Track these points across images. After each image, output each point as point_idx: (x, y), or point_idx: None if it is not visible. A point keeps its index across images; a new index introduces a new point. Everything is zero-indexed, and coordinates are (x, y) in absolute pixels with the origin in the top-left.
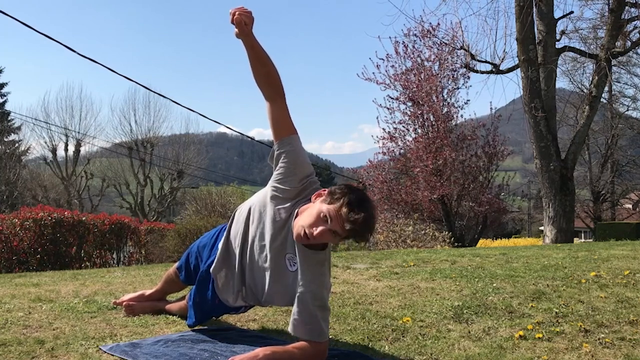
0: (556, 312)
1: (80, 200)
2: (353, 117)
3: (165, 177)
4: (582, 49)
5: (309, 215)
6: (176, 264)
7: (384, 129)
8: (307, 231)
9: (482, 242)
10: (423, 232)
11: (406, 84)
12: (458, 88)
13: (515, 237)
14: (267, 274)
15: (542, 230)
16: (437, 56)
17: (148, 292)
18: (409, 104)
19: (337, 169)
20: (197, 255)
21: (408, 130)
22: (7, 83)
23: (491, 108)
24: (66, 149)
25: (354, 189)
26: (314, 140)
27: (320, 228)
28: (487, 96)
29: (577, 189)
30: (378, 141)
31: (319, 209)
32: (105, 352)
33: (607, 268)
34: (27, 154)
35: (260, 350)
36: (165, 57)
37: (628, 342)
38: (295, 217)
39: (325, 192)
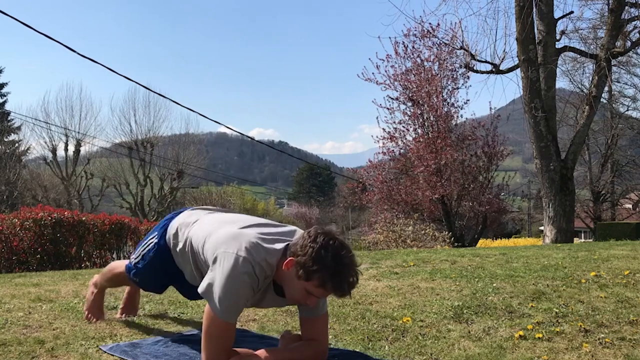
0: (556, 312)
1: (80, 200)
2: (353, 117)
3: (165, 177)
4: (582, 49)
5: (295, 291)
6: (130, 276)
7: (384, 129)
8: (302, 302)
9: (482, 242)
10: (423, 232)
11: (406, 84)
12: (458, 88)
13: (515, 237)
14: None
15: (542, 230)
16: (436, 56)
17: (95, 293)
18: (409, 104)
19: (337, 169)
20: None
21: (408, 130)
22: (7, 83)
23: (491, 108)
24: (66, 149)
25: (323, 254)
26: (314, 140)
27: (312, 300)
28: (487, 96)
29: (577, 189)
30: (378, 141)
31: (303, 287)
32: (105, 352)
33: (607, 268)
34: (27, 154)
35: (260, 351)
36: (165, 57)
37: (628, 342)
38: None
39: (294, 262)
